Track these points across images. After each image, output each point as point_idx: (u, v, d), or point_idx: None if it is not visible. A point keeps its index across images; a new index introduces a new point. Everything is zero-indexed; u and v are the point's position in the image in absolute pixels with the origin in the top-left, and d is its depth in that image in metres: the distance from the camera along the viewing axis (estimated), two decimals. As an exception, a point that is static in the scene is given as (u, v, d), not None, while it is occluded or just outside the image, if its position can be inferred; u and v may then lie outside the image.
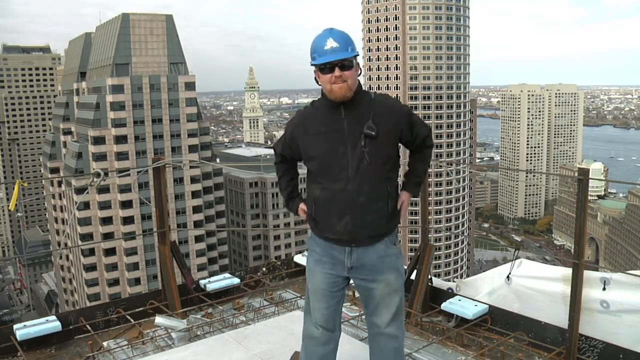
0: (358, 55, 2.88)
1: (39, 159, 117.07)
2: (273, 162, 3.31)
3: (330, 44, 2.77)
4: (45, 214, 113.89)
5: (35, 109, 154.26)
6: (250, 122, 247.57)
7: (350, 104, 2.87)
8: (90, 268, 74.62)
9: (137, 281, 74.65)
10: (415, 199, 3.38)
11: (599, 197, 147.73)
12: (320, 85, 2.88)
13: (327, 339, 3.13)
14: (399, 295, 3.07)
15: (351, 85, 2.82)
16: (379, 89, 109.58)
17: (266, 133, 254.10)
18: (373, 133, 2.82)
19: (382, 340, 3.11)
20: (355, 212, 2.88)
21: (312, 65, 2.85)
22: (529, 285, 4.99)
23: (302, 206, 3.13)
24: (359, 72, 2.91)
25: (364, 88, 2.98)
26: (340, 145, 2.86)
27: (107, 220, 73.00)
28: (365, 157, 2.83)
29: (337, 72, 2.78)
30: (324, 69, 2.80)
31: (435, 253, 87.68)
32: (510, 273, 5.12)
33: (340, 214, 2.90)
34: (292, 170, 3.26)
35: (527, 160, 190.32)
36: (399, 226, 3.17)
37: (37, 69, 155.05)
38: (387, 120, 2.87)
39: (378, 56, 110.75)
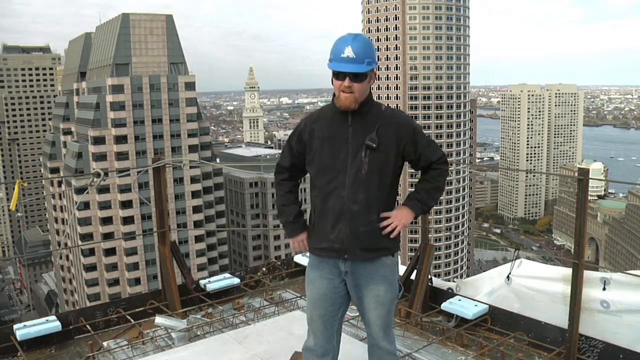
0: (376, 65, 2.88)
1: (39, 159, 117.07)
2: (272, 163, 3.20)
3: (348, 52, 2.77)
4: (45, 214, 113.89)
5: (35, 109, 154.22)
6: (250, 122, 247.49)
7: (357, 113, 2.88)
8: (90, 268, 74.61)
9: (137, 281, 74.63)
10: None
11: (599, 197, 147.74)
12: (334, 86, 2.91)
13: (324, 352, 3.12)
14: (387, 308, 3.03)
15: (358, 97, 2.83)
16: (379, 89, 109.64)
17: (266, 133, 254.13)
18: (374, 145, 2.83)
19: (379, 353, 3.12)
20: (348, 220, 2.88)
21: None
22: (529, 285, 4.99)
23: (303, 237, 3.05)
24: (373, 81, 2.92)
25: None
26: (341, 152, 2.88)
27: (107, 220, 72.98)
28: (364, 167, 2.84)
29: (347, 82, 2.80)
30: (337, 74, 2.82)
31: (435, 253, 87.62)
32: (510, 273, 5.12)
33: (334, 221, 2.91)
34: (297, 188, 3.17)
35: (527, 160, 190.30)
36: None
37: (37, 69, 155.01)
38: (391, 134, 2.87)
39: (378, 56, 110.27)
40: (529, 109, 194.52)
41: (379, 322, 3.03)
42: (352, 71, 2.77)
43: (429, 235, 5.35)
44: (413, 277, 5.18)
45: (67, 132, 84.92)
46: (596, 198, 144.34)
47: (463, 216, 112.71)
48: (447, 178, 3.05)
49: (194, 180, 77.79)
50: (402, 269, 5.43)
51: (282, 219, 3.11)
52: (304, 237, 3.04)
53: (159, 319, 4.76)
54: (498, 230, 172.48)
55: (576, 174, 3.94)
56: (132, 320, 4.94)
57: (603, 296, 4.39)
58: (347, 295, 3.10)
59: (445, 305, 4.90)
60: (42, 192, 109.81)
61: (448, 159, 3.01)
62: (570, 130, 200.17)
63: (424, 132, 3.00)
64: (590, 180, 4.01)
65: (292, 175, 3.12)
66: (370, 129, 2.86)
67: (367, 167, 2.84)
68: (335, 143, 2.89)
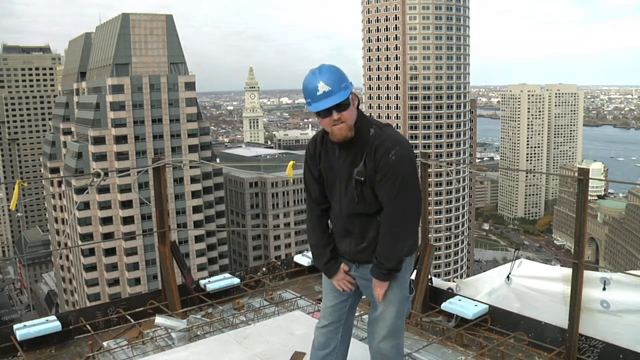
0: (352, 87, 2.83)
1: (39, 159, 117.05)
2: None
3: (322, 88, 2.71)
4: (45, 214, 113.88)
5: (35, 109, 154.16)
6: (250, 122, 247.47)
7: (345, 144, 2.85)
8: (90, 268, 74.60)
9: (137, 281, 74.63)
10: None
11: (599, 197, 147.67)
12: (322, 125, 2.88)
13: (325, 341, 3.15)
14: (397, 310, 3.00)
15: (351, 124, 2.80)
16: (379, 89, 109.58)
17: (266, 133, 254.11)
18: (362, 179, 2.82)
19: (376, 357, 3.11)
20: (350, 240, 3.00)
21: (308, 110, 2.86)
22: (529, 285, 4.99)
23: (341, 276, 3.05)
24: (357, 102, 2.86)
25: (367, 94, 2.93)
26: (336, 180, 2.94)
27: (107, 220, 72.98)
28: (354, 197, 2.87)
29: (335, 115, 2.76)
30: (322, 113, 2.77)
31: (435, 253, 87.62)
32: (510, 273, 5.12)
33: (339, 238, 3.05)
34: (329, 219, 3.11)
35: (527, 160, 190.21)
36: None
37: (37, 69, 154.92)
38: (372, 165, 2.80)
39: (378, 56, 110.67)
40: (529, 109, 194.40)
41: (388, 322, 3.01)
42: (335, 103, 2.72)
43: (429, 235, 5.36)
44: (413, 277, 5.18)
45: (67, 132, 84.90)
46: (596, 198, 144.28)
47: (463, 216, 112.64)
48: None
49: (194, 180, 77.78)
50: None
51: (316, 262, 3.16)
52: (343, 275, 3.05)
53: (159, 319, 4.76)
54: (488, 227, 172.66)
55: (576, 174, 3.94)
56: (132, 320, 4.94)
57: (603, 296, 4.39)
58: (357, 290, 3.14)
59: (445, 305, 4.90)
60: (42, 192, 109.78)
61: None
62: (570, 130, 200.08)
63: (406, 165, 2.80)
64: (590, 180, 4.01)
65: (324, 208, 3.08)
66: (358, 159, 2.83)
67: (357, 198, 2.86)
68: (331, 171, 2.95)
